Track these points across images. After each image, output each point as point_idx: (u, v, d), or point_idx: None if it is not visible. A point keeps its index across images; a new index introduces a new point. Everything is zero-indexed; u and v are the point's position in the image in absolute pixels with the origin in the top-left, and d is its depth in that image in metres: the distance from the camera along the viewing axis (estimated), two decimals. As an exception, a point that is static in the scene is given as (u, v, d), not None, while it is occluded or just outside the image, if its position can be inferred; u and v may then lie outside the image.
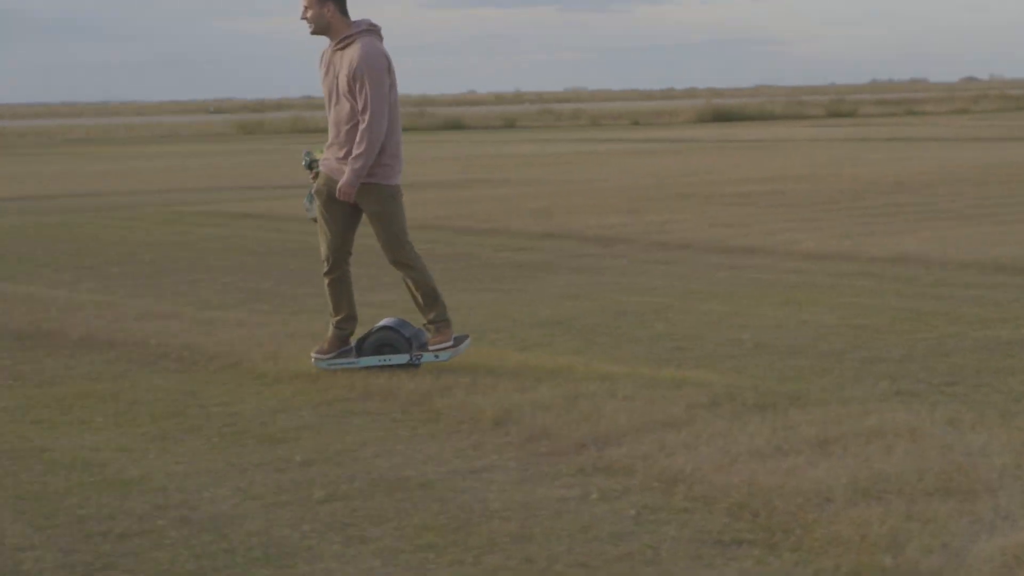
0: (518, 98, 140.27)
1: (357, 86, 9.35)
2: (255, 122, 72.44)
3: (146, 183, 30.13)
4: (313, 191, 9.70)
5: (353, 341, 9.74)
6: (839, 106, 79.05)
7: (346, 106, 9.43)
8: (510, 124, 71.91)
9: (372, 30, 9.52)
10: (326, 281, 9.72)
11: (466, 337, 9.89)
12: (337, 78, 9.45)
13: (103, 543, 6.15)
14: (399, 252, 9.67)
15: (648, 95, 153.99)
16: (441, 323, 9.67)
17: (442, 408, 8.46)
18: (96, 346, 10.74)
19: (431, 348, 9.62)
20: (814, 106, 79.32)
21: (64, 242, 18.36)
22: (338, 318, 9.70)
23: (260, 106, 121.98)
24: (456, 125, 70.66)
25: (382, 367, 9.49)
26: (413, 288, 9.72)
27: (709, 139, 48.56)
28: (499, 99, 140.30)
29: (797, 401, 8.36)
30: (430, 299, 9.69)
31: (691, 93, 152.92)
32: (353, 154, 9.39)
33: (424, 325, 9.74)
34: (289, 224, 19.96)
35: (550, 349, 10.33)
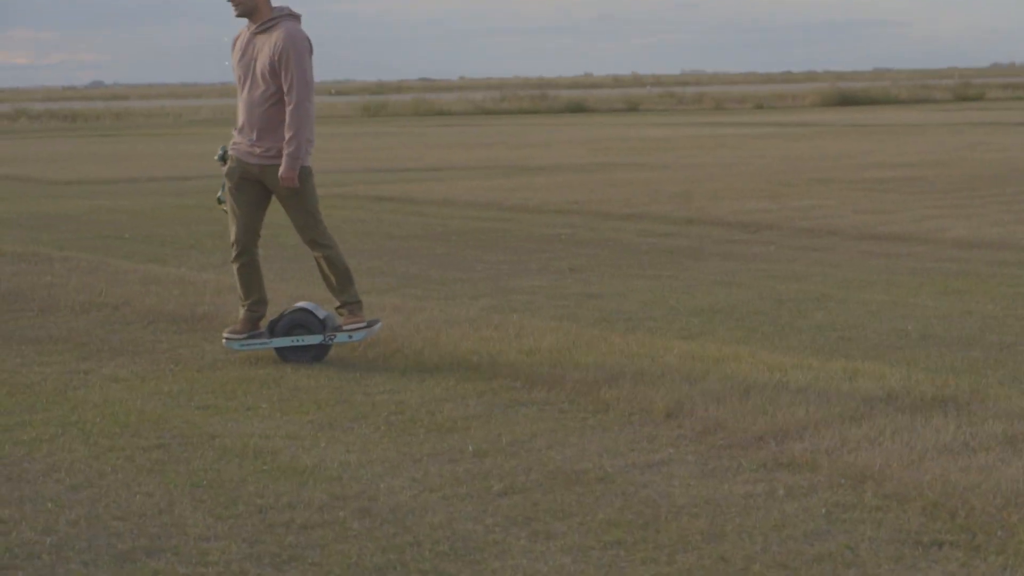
0: (637, 81, 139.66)
1: (283, 68, 9.40)
2: (379, 104, 72.64)
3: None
4: (224, 174, 9.70)
5: (265, 323, 9.79)
6: (966, 90, 77.99)
7: (261, 88, 9.47)
8: (633, 107, 71.64)
9: (294, 15, 9.60)
10: (235, 266, 9.78)
11: (377, 321, 9.91)
12: (255, 60, 9.50)
13: (286, 534, 6.07)
14: (314, 232, 9.68)
15: (767, 78, 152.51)
16: (354, 304, 9.71)
17: (610, 399, 8.30)
18: (252, 330, 10.67)
19: (345, 328, 9.65)
20: (939, 90, 78.27)
21: (204, 223, 18.39)
22: (249, 301, 9.77)
23: (379, 88, 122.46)
24: (579, 108, 70.50)
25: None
26: (327, 268, 9.72)
27: (837, 123, 47.99)
28: (617, 82, 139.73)
29: (977, 395, 8.12)
30: (344, 280, 9.71)
31: (810, 76, 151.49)
32: (287, 138, 9.41)
33: (336, 308, 9.77)
34: (428, 208, 19.90)
35: (713, 338, 10.14)
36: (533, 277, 13.27)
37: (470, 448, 7.37)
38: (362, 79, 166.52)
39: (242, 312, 9.80)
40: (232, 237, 9.77)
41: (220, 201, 9.95)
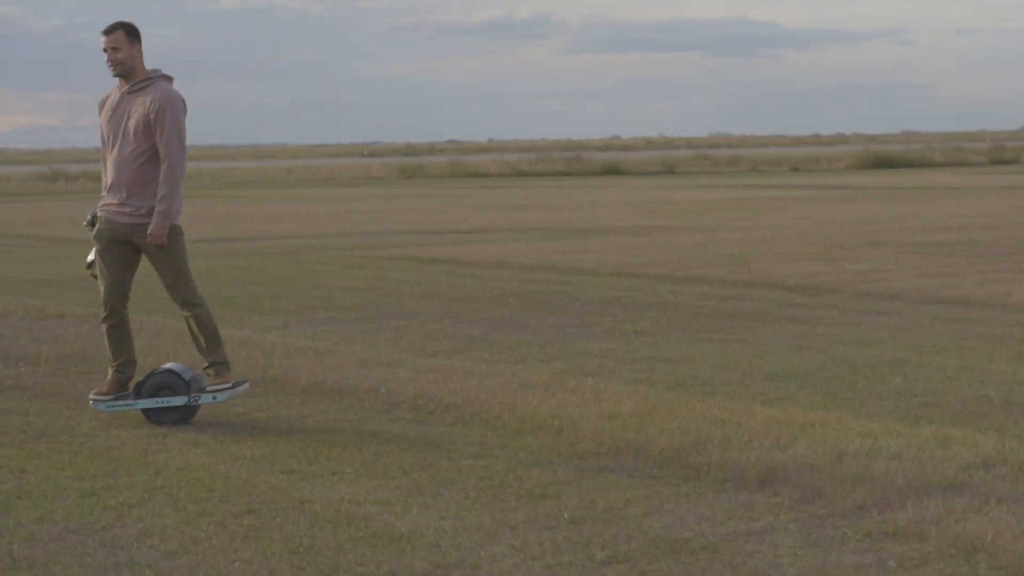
0: (667, 143, 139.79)
1: (158, 127, 9.51)
2: (414, 166, 72.74)
3: (320, 226, 30.21)
4: (93, 236, 9.75)
5: (132, 385, 9.84)
6: (1000, 152, 77.77)
7: (132, 147, 9.56)
8: (669, 169, 71.60)
9: (167, 77, 9.73)
10: (104, 327, 9.82)
11: (244, 382, 9.94)
12: (127, 119, 9.58)
13: (394, 603, 5.96)
14: (184, 291, 9.76)
15: (796, 140, 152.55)
16: (221, 365, 9.75)
17: (700, 465, 8.18)
18: (326, 393, 10.61)
19: (209, 389, 9.69)
20: (973, 152, 78.11)
21: (260, 285, 18.35)
22: (118, 362, 9.81)
23: (410, 149, 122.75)
24: (614, 170, 70.46)
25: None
26: (196, 328, 9.77)
27: (877, 186, 47.87)
28: (649, 144, 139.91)
29: (1075, 464, 7.98)
30: (213, 341, 9.76)
31: (839, 139, 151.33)
32: (159, 196, 9.50)
33: (204, 369, 9.82)
34: (482, 270, 19.82)
35: (793, 403, 10.01)
36: (600, 340, 13.16)
37: (565, 515, 7.25)
38: (389, 141, 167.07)
39: (110, 373, 9.82)
40: (101, 298, 9.80)
41: (90, 266, 9.99)
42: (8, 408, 10.23)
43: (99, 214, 9.75)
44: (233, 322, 14.71)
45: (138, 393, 9.73)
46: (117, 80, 9.76)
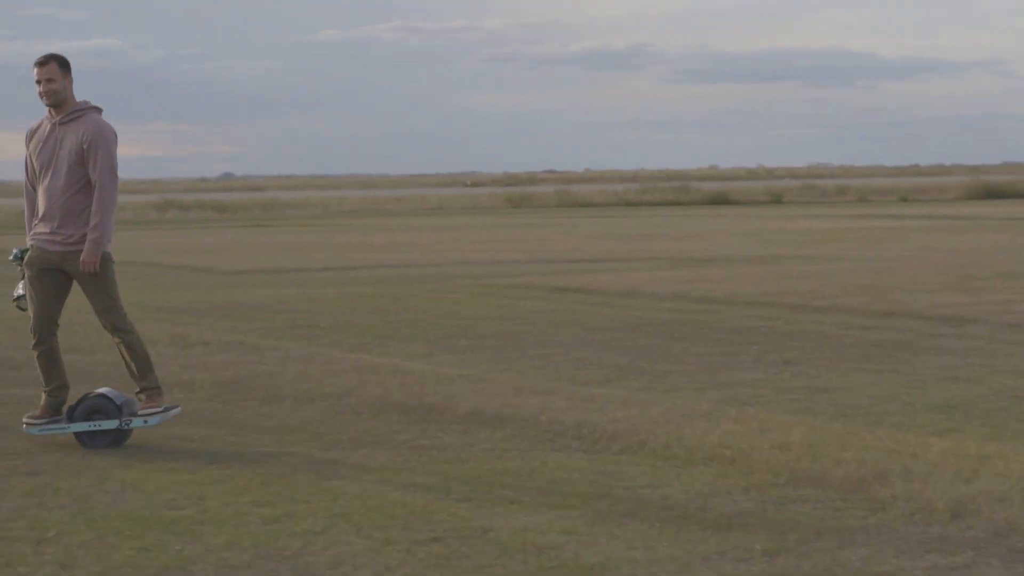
0: (769, 173, 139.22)
1: (91, 157, 9.73)
2: (521, 195, 72.86)
3: (440, 255, 30.24)
4: (23, 264, 9.94)
5: (65, 409, 9.98)
6: (1113, 182, 76.72)
7: (63, 178, 9.77)
8: (776, 199, 71.24)
9: (97, 108, 9.94)
10: (35, 353, 9.97)
11: (175, 406, 10.19)
12: (60, 150, 9.80)
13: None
14: (115, 317, 9.91)
15: (896, 171, 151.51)
16: (152, 390, 9.95)
17: (884, 497, 8.03)
18: (486, 421, 10.56)
19: (140, 413, 9.85)
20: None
21: (393, 313, 18.36)
22: (50, 387, 9.98)
23: (512, 180, 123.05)
24: (720, 200, 70.19)
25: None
26: (127, 355, 9.94)
27: (993, 216, 47.32)
28: (751, 174, 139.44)
29: None
30: (143, 366, 9.94)
31: (941, 170, 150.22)
32: (91, 224, 9.72)
33: (136, 394, 9.98)
34: (615, 299, 19.72)
35: (964, 435, 9.84)
36: (749, 370, 13.03)
37: (758, 547, 7.14)
38: (486, 171, 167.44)
39: (44, 398, 10.00)
40: (32, 326, 9.94)
41: (17, 299, 10.12)
42: (173, 434, 10.26)
43: (30, 242, 9.98)
44: (377, 349, 14.73)
45: (70, 417, 9.90)
46: (46, 111, 9.97)
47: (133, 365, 9.96)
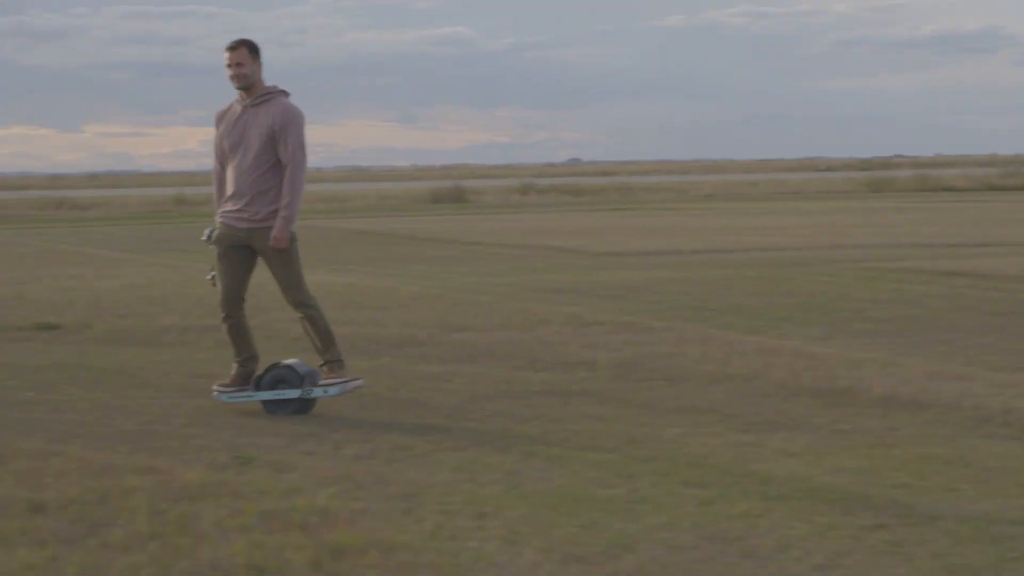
0: None
1: (282, 138, 10.06)
2: (881, 179, 71.42)
3: (811, 239, 29.67)
4: (213, 240, 10.32)
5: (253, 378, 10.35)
6: None
7: (252, 158, 10.10)
8: None
9: (285, 92, 10.26)
10: (224, 327, 10.36)
11: (358, 379, 10.45)
12: (248, 131, 10.12)
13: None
14: (299, 293, 10.22)
15: None
16: (335, 363, 10.24)
17: None
18: (903, 406, 10.22)
19: (321, 383, 10.14)
20: None
21: (779, 296, 18.03)
22: (241, 358, 10.35)
23: (866, 164, 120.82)
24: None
25: None
26: (310, 329, 10.24)
27: None
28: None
29: None
30: (326, 339, 10.23)
31: None
32: (283, 203, 10.05)
33: (320, 366, 10.26)
34: (1009, 284, 19.01)
35: None
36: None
37: None
38: (834, 155, 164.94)
39: (234, 368, 10.36)
40: (220, 300, 10.33)
41: (213, 277, 10.42)
42: (585, 413, 10.21)
43: (218, 220, 10.32)
44: (771, 331, 14.47)
45: (257, 386, 10.25)
46: (237, 93, 10.26)
47: (316, 339, 10.26)
